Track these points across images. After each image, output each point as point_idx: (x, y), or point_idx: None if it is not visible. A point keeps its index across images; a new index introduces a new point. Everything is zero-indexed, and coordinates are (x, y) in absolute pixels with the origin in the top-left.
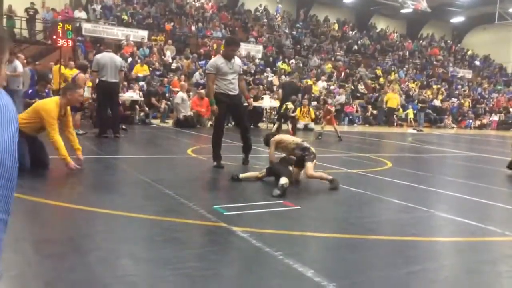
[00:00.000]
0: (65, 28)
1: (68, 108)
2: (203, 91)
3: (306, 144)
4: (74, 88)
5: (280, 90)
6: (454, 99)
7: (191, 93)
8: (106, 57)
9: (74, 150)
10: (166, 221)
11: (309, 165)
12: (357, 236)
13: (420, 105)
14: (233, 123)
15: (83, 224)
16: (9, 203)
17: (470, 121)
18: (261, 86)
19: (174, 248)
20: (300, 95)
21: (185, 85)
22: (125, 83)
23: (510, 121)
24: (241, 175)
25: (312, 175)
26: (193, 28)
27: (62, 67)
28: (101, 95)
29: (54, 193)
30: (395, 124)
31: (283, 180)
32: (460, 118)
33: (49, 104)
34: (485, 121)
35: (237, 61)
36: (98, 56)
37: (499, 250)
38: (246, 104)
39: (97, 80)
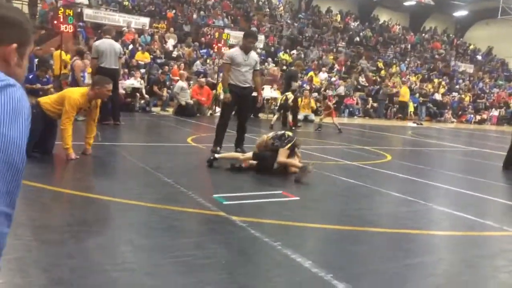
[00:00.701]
0: (66, 14)
1: (98, 101)
2: (203, 79)
3: (280, 132)
4: (103, 82)
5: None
6: (455, 94)
7: (191, 82)
8: (106, 43)
9: (85, 143)
10: (165, 209)
11: (281, 151)
12: (355, 228)
13: (421, 99)
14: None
15: (82, 210)
16: (15, 197)
17: (471, 116)
18: (262, 77)
19: (173, 236)
20: (298, 82)
21: (185, 74)
22: (126, 70)
23: (509, 117)
24: (218, 155)
25: (281, 162)
26: (195, 16)
27: (63, 52)
28: None
29: (54, 179)
30: (395, 117)
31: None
32: (460, 112)
33: (75, 94)
34: (485, 116)
35: (253, 55)
36: (97, 42)
37: (497, 245)
38: (255, 94)
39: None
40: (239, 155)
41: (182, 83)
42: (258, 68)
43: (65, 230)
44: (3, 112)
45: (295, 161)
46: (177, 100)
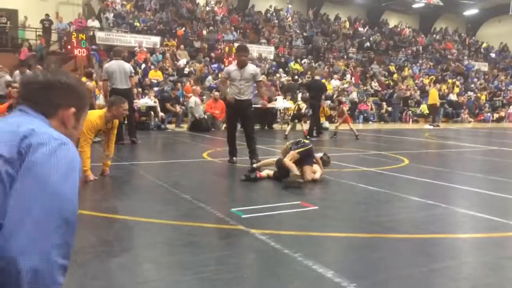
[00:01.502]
0: (80, 38)
1: (116, 121)
2: (217, 93)
3: (298, 139)
4: (119, 102)
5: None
6: (470, 93)
7: (204, 97)
8: (114, 65)
9: (102, 164)
10: (184, 225)
11: (290, 153)
12: (376, 235)
13: (439, 100)
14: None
15: (104, 231)
16: (70, 248)
17: (489, 114)
18: (273, 88)
19: (194, 252)
20: (326, 93)
21: (198, 89)
22: (139, 89)
23: None
24: (255, 165)
25: (284, 162)
26: (204, 32)
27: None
28: None
29: None
30: (409, 121)
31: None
32: (477, 111)
33: (92, 116)
34: (502, 113)
35: (249, 69)
36: (106, 64)
37: None
38: (259, 105)
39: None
40: (271, 161)
41: (196, 98)
42: (260, 79)
43: (88, 252)
44: (58, 170)
45: (295, 168)
46: (192, 115)
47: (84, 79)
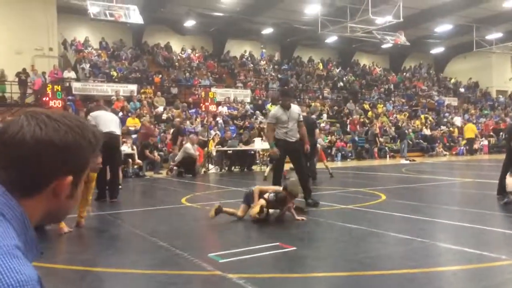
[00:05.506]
0: (55, 90)
1: (93, 175)
2: (192, 136)
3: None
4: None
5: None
6: (443, 127)
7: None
8: (102, 113)
9: (77, 216)
10: (161, 274)
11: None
12: (354, 273)
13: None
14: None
15: (74, 285)
16: None
17: (461, 148)
18: (251, 132)
19: None
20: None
21: (194, 138)
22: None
23: (500, 144)
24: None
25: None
26: (181, 78)
27: None
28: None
29: (46, 255)
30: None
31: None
32: (452, 144)
33: None
34: (475, 146)
35: (294, 109)
36: (93, 113)
37: (497, 275)
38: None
39: None
40: (234, 211)
41: (190, 147)
42: (301, 119)
43: None
44: None
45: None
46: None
47: None
